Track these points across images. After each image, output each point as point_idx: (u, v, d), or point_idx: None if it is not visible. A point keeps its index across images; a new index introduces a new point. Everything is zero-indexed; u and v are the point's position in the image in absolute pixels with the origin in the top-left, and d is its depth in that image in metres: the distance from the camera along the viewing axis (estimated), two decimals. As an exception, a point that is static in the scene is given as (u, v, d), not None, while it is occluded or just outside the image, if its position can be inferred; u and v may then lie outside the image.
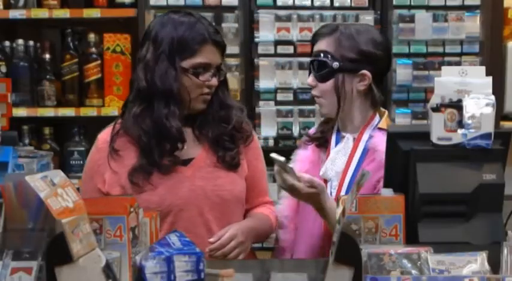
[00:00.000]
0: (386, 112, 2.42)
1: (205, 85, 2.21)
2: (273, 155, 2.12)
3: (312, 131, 2.55)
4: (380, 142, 2.25)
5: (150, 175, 2.18)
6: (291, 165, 2.20)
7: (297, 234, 2.43)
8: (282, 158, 2.11)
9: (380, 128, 2.33)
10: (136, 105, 2.22)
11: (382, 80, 2.42)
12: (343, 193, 2.27)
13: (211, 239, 2.14)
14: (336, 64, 2.30)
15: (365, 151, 2.31)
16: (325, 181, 2.35)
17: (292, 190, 2.12)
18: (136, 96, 2.23)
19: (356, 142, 2.33)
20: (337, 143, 2.38)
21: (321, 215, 2.22)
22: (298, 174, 2.11)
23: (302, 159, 2.45)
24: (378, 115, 2.38)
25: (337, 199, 1.81)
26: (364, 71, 2.31)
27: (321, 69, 2.32)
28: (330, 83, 2.32)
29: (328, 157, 2.37)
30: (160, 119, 2.17)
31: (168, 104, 2.18)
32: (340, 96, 2.31)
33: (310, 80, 2.37)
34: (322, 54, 2.32)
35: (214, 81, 2.22)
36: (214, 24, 3.54)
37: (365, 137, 2.32)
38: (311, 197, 2.14)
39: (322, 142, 2.43)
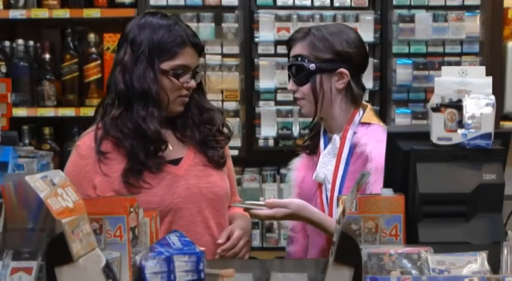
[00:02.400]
0: (369, 105, 2.43)
1: (184, 87, 2.22)
2: (234, 204, 2.30)
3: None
4: (362, 136, 2.30)
5: (142, 175, 2.18)
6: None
7: (309, 239, 2.47)
8: (241, 204, 2.27)
9: (362, 123, 2.35)
10: (115, 108, 2.22)
11: (361, 76, 2.44)
12: (336, 194, 2.30)
13: (220, 241, 2.18)
14: (312, 66, 2.33)
15: (351, 149, 2.33)
16: (320, 185, 2.39)
17: (271, 219, 2.28)
18: (115, 99, 2.23)
19: (342, 140, 2.35)
20: (325, 144, 2.41)
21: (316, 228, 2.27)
22: (269, 201, 2.20)
23: (297, 167, 2.52)
24: (361, 110, 2.39)
25: (337, 199, 1.81)
26: (341, 70, 2.34)
27: (298, 73, 2.36)
28: (308, 85, 2.35)
29: (318, 159, 2.40)
30: (139, 122, 2.18)
31: (146, 106, 2.18)
32: (318, 96, 2.35)
33: (290, 85, 2.40)
34: (298, 58, 2.35)
35: (193, 83, 2.23)
36: (214, 24, 3.62)
37: (349, 134, 2.34)
38: (291, 216, 2.23)
39: (312, 148, 2.48)
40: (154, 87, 2.18)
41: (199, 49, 2.26)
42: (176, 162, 2.25)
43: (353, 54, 2.35)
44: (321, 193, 2.37)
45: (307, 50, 2.34)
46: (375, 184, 2.09)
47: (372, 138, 2.27)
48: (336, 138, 2.36)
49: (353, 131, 2.34)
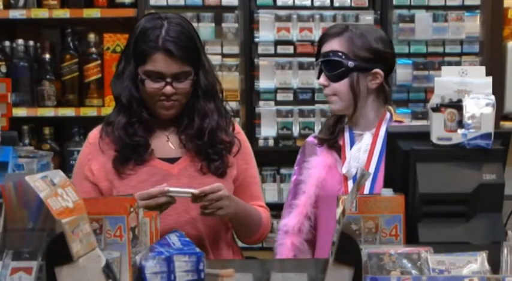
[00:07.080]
0: (391, 107, 2.46)
1: (159, 93, 2.19)
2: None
3: (311, 138, 2.53)
4: None
5: (129, 164, 2.22)
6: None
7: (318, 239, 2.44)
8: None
9: (396, 120, 2.40)
10: (114, 110, 2.31)
11: (388, 76, 2.47)
12: (367, 188, 2.30)
13: (204, 188, 2.09)
14: (351, 63, 2.33)
15: (384, 146, 2.32)
16: (346, 180, 2.37)
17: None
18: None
19: (374, 137, 2.37)
20: (351, 140, 2.41)
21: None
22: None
23: (317, 165, 2.41)
24: (387, 110, 2.43)
25: (337, 199, 1.81)
26: (376, 70, 2.36)
27: (334, 69, 2.34)
28: (344, 83, 2.35)
29: (343, 156, 2.39)
30: (123, 125, 2.23)
31: (130, 110, 2.23)
32: (356, 94, 2.35)
33: (322, 80, 2.38)
34: (335, 54, 2.34)
35: (167, 89, 2.18)
36: (214, 24, 3.61)
37: (382, 132, 2.36)
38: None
39: (332, 143, 2.44)
40: (134, 90, 2.22)
41: (175, 56, 2.16)
42: (173, 161, 2.25)
43: (388, 55, 2.40)
44: (346, 188, 2.35)
45: (346, 47, 2.34)
46: None
47: None
48: (368, 134, 2.38)
49: (385, 128, 2.32)
